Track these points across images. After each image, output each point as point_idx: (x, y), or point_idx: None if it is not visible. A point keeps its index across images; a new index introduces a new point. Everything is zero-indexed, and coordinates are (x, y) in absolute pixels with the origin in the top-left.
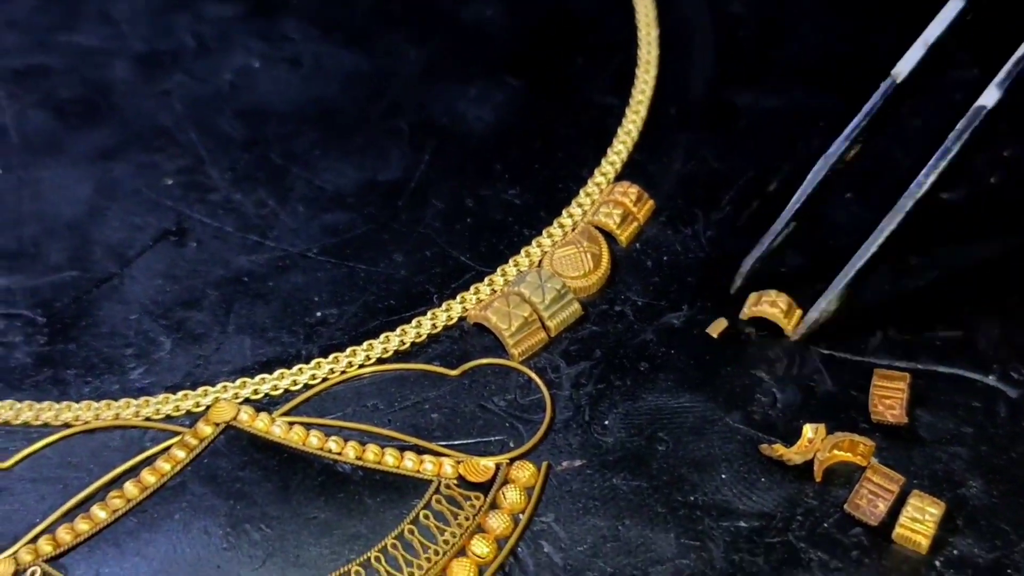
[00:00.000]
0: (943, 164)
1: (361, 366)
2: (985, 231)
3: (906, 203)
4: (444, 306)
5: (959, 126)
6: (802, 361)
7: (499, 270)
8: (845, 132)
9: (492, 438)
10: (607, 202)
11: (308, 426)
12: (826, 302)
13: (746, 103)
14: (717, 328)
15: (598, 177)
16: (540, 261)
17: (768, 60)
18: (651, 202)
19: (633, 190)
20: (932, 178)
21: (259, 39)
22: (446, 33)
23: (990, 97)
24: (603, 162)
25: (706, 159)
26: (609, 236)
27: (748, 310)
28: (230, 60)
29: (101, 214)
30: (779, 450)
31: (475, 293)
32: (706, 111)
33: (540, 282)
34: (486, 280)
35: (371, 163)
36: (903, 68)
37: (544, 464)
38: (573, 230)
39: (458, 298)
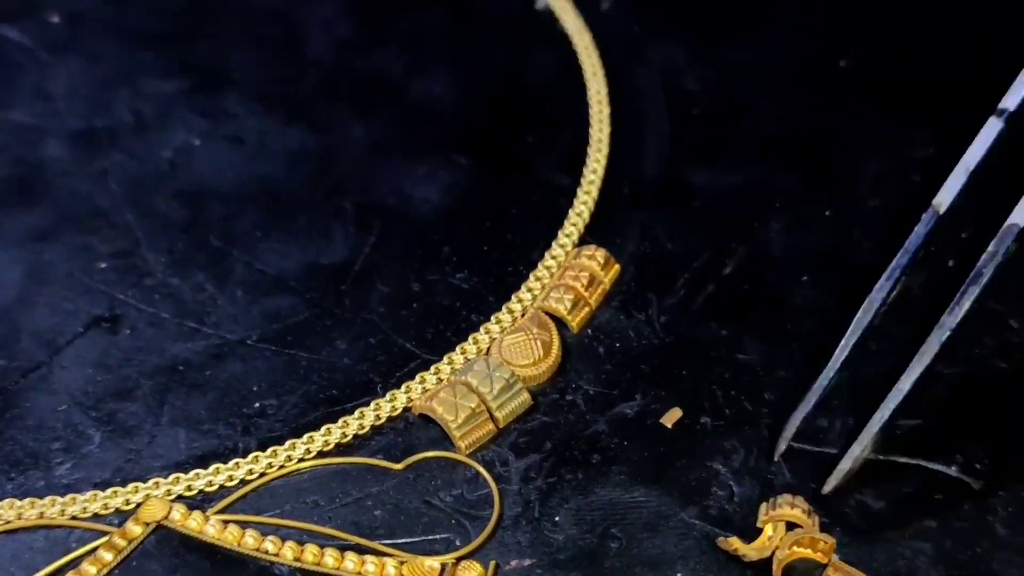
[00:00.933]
0: (976, 292)
1: (301, 460)
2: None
3: (935, 340)
4: (388, 396)
5: (990, 248)
6: (759, 453)
7: (446, 358)
8: (887, 272)
9: (438, 536)
10: (558, 287)
11: (244, 524)
12: (859, 448)
13: (702, 182)
14: (671, 418)
15: (548, 260)
16: (488, 349)
17: (723, 138)
18: (604, 285)
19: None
20: (963, 311)
21: (200, 116)
22: (393, 110)
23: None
24: (554, 244)
25: (660, 240)
26: (560, 322)
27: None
28: (169, 138)
29: (31, 300)
30: (735, 544)
31: (420, 382)
32: (660, 190)
33: (488, 371)
34: (432, 368)
35: (315, 245)
36: (944, 199)
37: (492, 564)
38: (523, 315)
39: (403, 387)
